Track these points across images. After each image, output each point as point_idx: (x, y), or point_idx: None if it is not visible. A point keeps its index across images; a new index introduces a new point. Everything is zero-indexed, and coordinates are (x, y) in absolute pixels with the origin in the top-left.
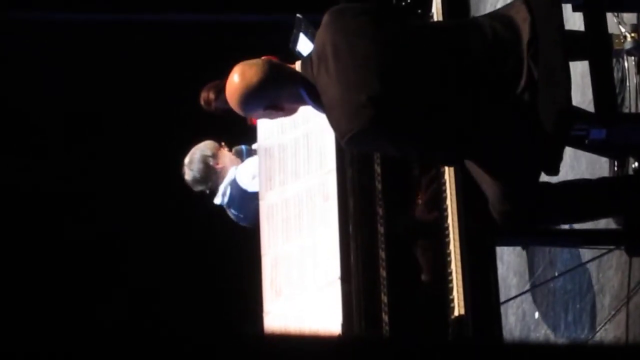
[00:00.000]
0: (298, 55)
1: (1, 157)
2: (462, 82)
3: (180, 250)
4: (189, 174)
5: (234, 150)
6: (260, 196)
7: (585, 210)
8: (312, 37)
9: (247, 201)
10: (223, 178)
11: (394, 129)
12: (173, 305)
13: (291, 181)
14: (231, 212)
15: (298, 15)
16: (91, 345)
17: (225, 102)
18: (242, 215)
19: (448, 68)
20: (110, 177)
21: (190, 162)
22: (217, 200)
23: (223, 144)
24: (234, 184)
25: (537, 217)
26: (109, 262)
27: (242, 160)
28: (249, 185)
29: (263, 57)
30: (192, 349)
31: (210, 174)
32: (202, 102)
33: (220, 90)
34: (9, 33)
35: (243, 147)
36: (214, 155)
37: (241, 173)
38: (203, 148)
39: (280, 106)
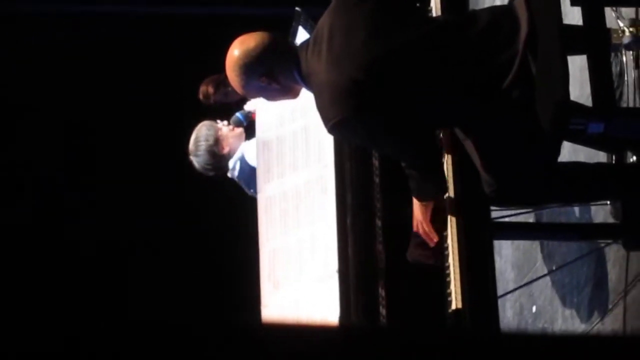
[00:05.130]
0: None
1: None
2: (452, 76)
3: (178, 242)
4: (197, 164)
5: (231, 122)
6: (259, 188)
7: (583, 192)
8: (311, 31)
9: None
10: (232, 156)
11: (376, 121)
12: (170, 297)
13: (289, 174)
14: (242, 184)
15: (297, 8)
16: (88, 340)
17: (225, 95)
18: (252, 190)
19: (439, 61)
20: (106, 165)
21: (196, 153)
22: (229, 174)
23: (219, 121)
24: (242, 160)
25: (528, 200)
26: (108, 253)
27: (244, 126)
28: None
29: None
30: (190, 340)
31: (220, 160)
32: (200, 96)
33: (220, 84)
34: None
35: (238, 114)
36: (217, 142)
37: (248, 152)
38: (205, 136)
39: (275, 77)
